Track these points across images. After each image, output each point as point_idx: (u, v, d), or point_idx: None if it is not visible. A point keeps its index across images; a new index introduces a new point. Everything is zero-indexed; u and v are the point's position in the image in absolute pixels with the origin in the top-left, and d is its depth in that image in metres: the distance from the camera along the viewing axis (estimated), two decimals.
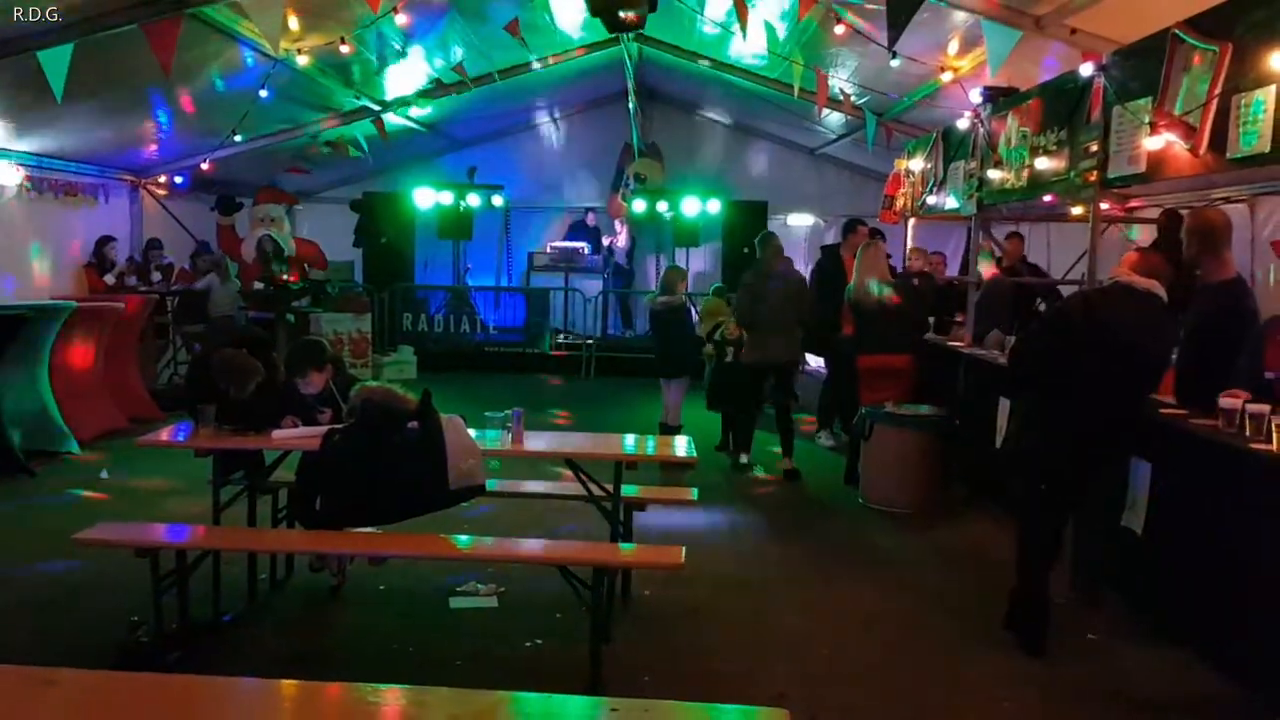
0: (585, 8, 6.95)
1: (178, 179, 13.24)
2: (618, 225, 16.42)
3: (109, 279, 11.60)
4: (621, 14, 6.23)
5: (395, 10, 8.44)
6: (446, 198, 15.68)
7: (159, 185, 13.30)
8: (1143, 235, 8.44)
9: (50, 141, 10.54)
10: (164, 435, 5.64)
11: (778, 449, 9.15)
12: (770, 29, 9.38)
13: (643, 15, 6.42)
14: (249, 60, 9.50)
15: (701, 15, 10.19)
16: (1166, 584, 5.27)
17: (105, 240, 11.75)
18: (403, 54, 10.69)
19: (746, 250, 9.57)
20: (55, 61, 7.22)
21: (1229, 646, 4.76)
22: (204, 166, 12.59)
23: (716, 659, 5.04)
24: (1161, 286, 5.04)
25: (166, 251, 12.76)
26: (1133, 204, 8.17)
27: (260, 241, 13.11)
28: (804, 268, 15.08)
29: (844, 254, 9.84)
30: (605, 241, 16.28)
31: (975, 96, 8.55)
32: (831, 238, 14.18)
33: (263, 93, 9.90)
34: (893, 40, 7.45)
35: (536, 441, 5.78)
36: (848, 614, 5.71)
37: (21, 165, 10.36)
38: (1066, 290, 8.56)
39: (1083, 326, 5.05)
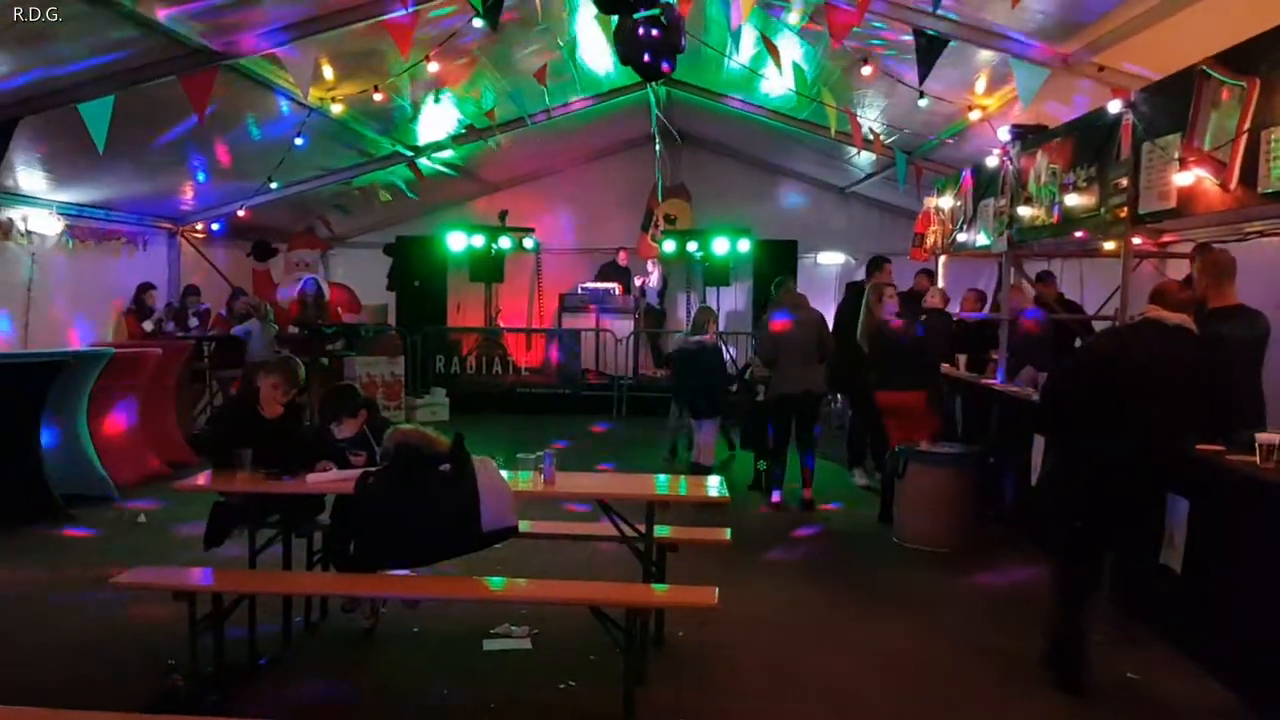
0: (614, 57, 7.04)
1: (214, 226, 13.47)
2: (649, 265, 16.49)
3: (148, 325, 11.77)
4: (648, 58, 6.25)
5: (427, 59, 8.57)
6: (479, 241, 15.87)
7: (196, 232, 13.53)
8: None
9: (90, 191, 10.78)
10: (201, 480, 5.71)
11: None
12: (799, 70, 9.47)
13: (672, 62, 6.45)
14: (284, 109, 9.68)
15: (729, 58, 10.29)
16: (1206, 621, 5.18)
17: (145, 287, 11.94)
18: (436, 99, 10.84)
19: (774, 286, 9.55)
20: (97, 113, 7.41)
21: (1270, 685, 4.67)
22: (240, 214, 12.79)
23: (751, 701, 5.00)
24: (1191, 320, 5.02)
25: (203, 297, 12.95)
26: (1165, 239, 8.13)
27: (305, 286, 13.31)
28: (834, 307, 15.17)
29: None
30: (637, 282, 16.34)
31: (1003, 134, 8.57)
32: (861, 276, 14.16)
33: (298, 140, 10.08)
34: (922, 77, 7.51)
35: (568, 483, 5.80)
36: (884, 655, 5.65)
37: (62, 215, 10.59)
38: (1100, 326, 8.52)
39: (1114, 363, 5.02)
